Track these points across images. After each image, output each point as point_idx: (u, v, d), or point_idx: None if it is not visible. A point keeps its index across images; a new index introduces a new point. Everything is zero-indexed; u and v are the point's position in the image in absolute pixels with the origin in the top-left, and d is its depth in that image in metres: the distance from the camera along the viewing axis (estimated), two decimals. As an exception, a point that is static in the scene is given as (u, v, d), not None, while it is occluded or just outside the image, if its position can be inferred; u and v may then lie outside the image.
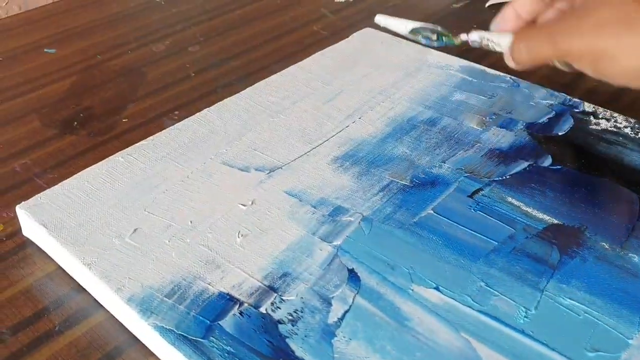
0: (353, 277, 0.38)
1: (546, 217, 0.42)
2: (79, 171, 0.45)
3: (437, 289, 0.37)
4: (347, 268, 0.38)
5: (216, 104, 0.52)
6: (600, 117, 0.51)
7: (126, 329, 0.37)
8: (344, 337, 0.34)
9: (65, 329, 0.37)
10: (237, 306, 0.36)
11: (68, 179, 0.44)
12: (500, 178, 0.45)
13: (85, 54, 0.64)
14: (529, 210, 0.42)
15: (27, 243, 0.42)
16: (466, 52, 0.56)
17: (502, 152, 0.47)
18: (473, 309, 0.36)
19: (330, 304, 0.36)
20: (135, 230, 0.40)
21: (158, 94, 0.58)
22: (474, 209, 0.42)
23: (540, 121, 0.51)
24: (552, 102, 0.53)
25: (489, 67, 0.57)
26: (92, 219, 0.41)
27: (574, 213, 0.42)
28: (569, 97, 0.53)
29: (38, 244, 0.42)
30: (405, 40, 0.61)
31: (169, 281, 0.37)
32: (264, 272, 0.38)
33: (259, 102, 0.52)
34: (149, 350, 0.36)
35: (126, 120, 0.54)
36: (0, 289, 0.39)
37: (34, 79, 0.60)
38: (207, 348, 0.34)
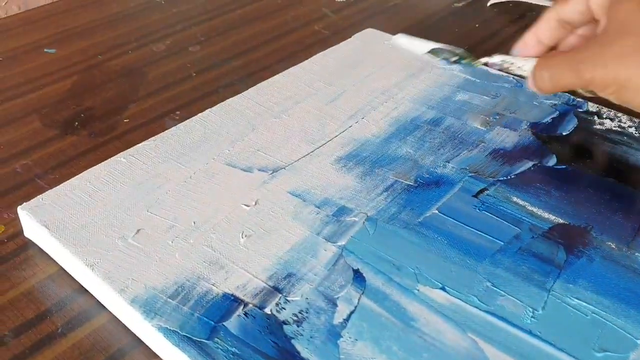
0: (358, 277, 0.37)
1: (552, 217, 0.41)
2: (80, 172, 0.45)
3: (443, 289, 0.37)
4: (352, 268, 0.38)
5: (218, 104, 0.52)
6: (604, 116, 0.51)
7: (130, 330, 0.37)
8: (349, 337, 0.34)
9: (68, 331, 0.37)
10: (241, 307, 0.35)
11: (70, 180, 0.44)
12: (505, 178, 0.45)
13: (85, 54, 0.63)
14: (535, 209, 0.42)
15: (29, 244, 0.42)
16: (470, 51, 0.56)
17: (506, 151, 0.47)
18: (480, 310, 0.36)
19: (335, 305, 0.36)
20: (138, 231, 0.40)
21: (159, 94, 0.58)
22: (479, 209, 0.42)
23: (544, 121, 0.50)
24: (555, 101, 0.52)
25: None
26: (94, 219, 0.41)
27: (580, 212, 0.42)
28: (572, 96, 0.53)
29: (40, 245, 0.42)
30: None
31: (173, 282, 0.37)
32: (269, 272, 0.38)
33: (261, 102, 0.52)
34: (153, 352, 0.36)
35: (127, 120, 0.54)
36: (2, 291, 0.39)
37: (34, 79, 0.59)
38: (211, 349, 0.33)
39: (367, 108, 0.52)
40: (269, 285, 0.37)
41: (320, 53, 0.59)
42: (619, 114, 0.51)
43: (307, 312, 0.35)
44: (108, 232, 0.40)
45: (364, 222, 0.41)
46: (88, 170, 0.45)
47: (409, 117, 0.51)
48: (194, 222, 0.41)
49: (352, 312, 0.35)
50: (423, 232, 0.40)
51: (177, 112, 0.55)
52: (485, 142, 0.48)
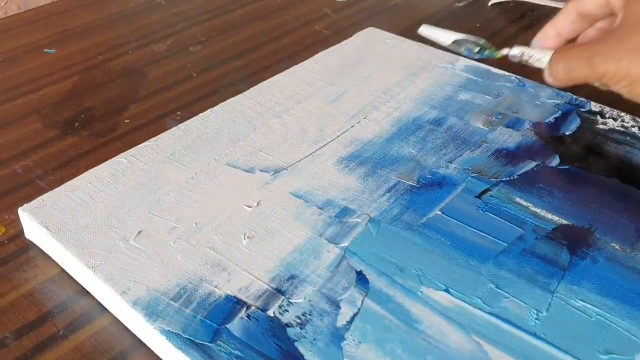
0: (361, 279, 0.37)
1: (555, 218, 0.41)
2: (80, 172, 0.45)
3: (446, 291, 0.36)
4: (355, 270, 0.38)
5: (219, 105, 0.52)
6: (607, 116, 0.50)
7: (131, 332, 0.36)
8: (353, 340, 0.34)
9: (70, 333, 0.37)
10: (244, 309, 0.35)
11: (71, 181, 0.43)
12: (508, 178, 0.44)
13: (85, 54, 0.63)
14: (538, 210, 0.42)
15: (30, 246, 0.42)
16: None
17: (509, 152, 0.47)
18: (483, 311, 0.35)
19: (338, 307, 0.35)
20: (139, 232, 0.40)
21: (160, 94, 0.57)
22: (482, 210, 0.42)
23: (546, 121, 0.50)
24: (558, 101, 0.52)
25: (493, 66, 0.56)
26: (95, 221, 0.40)
27: (583, 213, 0.42)
28: (575, 96, 0.53)
29: (41, 247, 0.41)
30: (408, 40, 0.61)
31: (175, 284, 0.37)
32: (271, 274, 0.37)
33: (262, 102, 0.52)
34: (155, 355, 0.35)
35: (128, 121, 0.54)
36: (3, 293, 0.39)
37: (34, 80, 0.59)
38: (214, 352, 0.33)
39: (368, 108, 0.52)
40: (272, 287, 0.36)
41: (322, 52, 0.59)
42: (622, 114, 0.50)
43: (310, 315, 0.35)
44: (109, 234, 0.40)
45: (366, 224, 0.41)
46: (89, 171, 0.44)
47: (411, 117, 0.51)
48: (196, 224, 0.41)
49: (355, 314, 0.35)
50: (426, 234, 0.40)
51: (178, 113, 0.55)
52: (487, 142, 0.48)
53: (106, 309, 0.38)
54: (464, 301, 0.36)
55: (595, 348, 0.34)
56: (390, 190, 0.43)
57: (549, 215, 0.41)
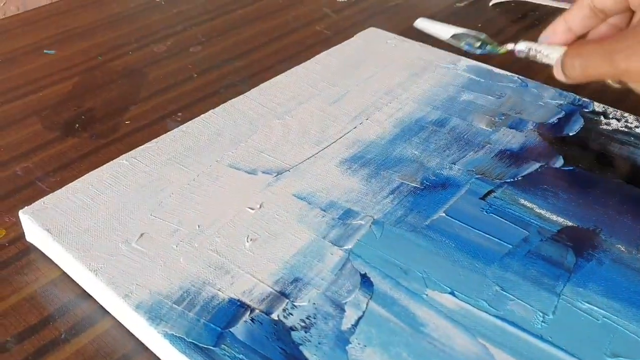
0: (366, 282, 0.37)
1: (560, 219, 0.41)
2: (81, 174, 0.44)
3: (452, 293, 0.36)
4: (360, 273, 0.37)
5: (221, 106, 0.51)
6: (610, 117, 0.50)
7: (134, 336, 0.36)
8: (358, 343, 0.34)
9: (72, 337, 0.36)
10: (248, 312, 0.35)
11: (72, 183, 0.43)
12: (512, 179, 0.44)
13: (85, 55, 0.63)
14: (543, 212, 0.42)
15: (31, 249, 0.42)
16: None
17: (513, 153, 0.47)
18: (489, 314, 0.35)
19: (343, 310, 0.35)
20: (141, 235, 0.39)
21: (160, 95, 0.57)
22: (486, 211, 0.42)
23: (550, 121, 0.50)
24: (561, 101, 0.52)
25: (495, 66, 0.56)
26: (97, 223, 0.40)
27: (588, 215, 0.41)
28: (578, 96, 0.52)
29: (42, 250, 0.41)
30: (409, 40, 0.60)
31: (178, 287, 0.36)
32: (275, 277, 0.37)
33: (264, 103, 0.52)
34: (158, 358, 0.35)
35: (129, 122, 0.53)
36: (4, 296, 0.39)
37: (34, 81, 0.59)
38: (218, 356, 0.33)
39: (371, 109, 0.51)
40: (276, 290, 0.36)
41: (323, 53, 0.59)
42: (626, 114, 0.50)
43: (314, 318, 0.35)
44: (111, 237, 0.39)
45: (370, 226, 0.40)
46: (90, 173, 0.44)
47: (413, 117, 0.50)
48: (199, 226, 0.40)
49: (360, 318, 0.35)
50: (430, 236, 0.40)
51: (179, 114, 0.54)
52: (491, 143, 0.48)
53: (108, 312, 0.37)
54: (470, 304, 0.36)
55: (602, 351, 0.33)
56: (393, 191, 0.43)
57: (554, 217, 0.41)
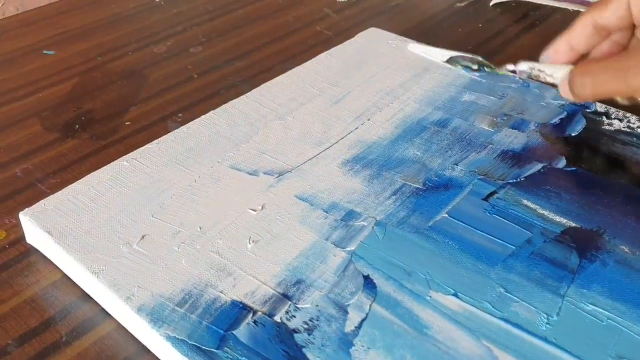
0: (369, 283, 0.37)
1: (563, 220, 0.41)
2: (81, 176, 0.44)
3: (455, 295, 0.36)
4: (363, 274, 0.37)
5: (222, 106, 0.51)
6: (612, 117, 0.50)
7: (136, 339, 0.36)
8: (362, 346, 0.33)
9: (73, 340, 0.36)
10: (250, 315, 0.35)
11: (72, 184, 0.43)
12: (514, 180, 0.44)
13: (85, 56, 0.62)
14: (546, 213, 0.41)
15: (31, 251, 0.41)
16: (473, 51, 0.55)
17: (515, 153, 0.46)
18: (493, 316, 0.35)
19: (346, 312, 0.35)
20: (143, 236, 0.39)
21: (161, 96, 0.57)
22: (489, 213, 0.41)
23: (552, 122, 0.50)
24: (563, 102, 0.52)
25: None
26: (98, 225, 0.40)
27: (591, 215, 0.41)
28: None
29: (42, 252, 0.41)
30: (410, 40, 0.60)
31: (180, 289, 0.36)
32: (277, 279, 0.37)
33: (265, 104, 0.51)
34: (160, 361, 0.35)
35: (129, 123, 0.53)
36: (5, 299, 0.38)
37: (33, 82, 0.58)
38: (221, 359, 0.32)
39: (372, 109, 0.51)
40: (278, 292, 0.36)
41: (324, 53, 0.59)
42: (628, 115, 0.50)
43: (317, 320, 0.35)
44: (112, 238, 0.39)
45: (373, 227, 0.40)
46: (90, 174, 0.44)
47: (415, 118, 0.50)
48: (200, 228, 0.40)
49: (363, 320, 0.35)
50: (433, 237, 0.40)
51: (180, 114, 0.54)
52: (493, 143, 0.47)
53: (110, 314, 0.37)
54: (474, 306, 0.35)
55: (607, 353, 0.33)
56: (396, 192, 0.43)
57: (557, 218, 0.41)
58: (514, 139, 0.48)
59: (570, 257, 0.38)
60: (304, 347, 0.33)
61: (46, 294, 0.39)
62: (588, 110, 0.51)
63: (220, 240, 0.39)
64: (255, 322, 0.34)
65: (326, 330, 0.34)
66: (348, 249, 0.39)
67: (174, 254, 0.38)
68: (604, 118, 0.50)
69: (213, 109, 0.51)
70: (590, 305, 0.35)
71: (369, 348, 0.33)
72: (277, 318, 0.35)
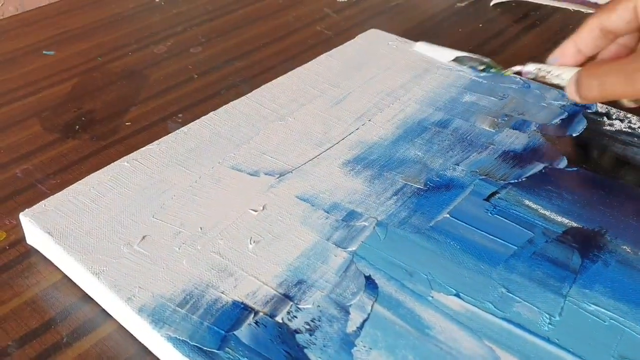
0: (370, 284, 0.36)
1: (565, 220, 0.41)
2: (82, 176, 0.44)
3: (457, 295, 0.36)
4: (364, 275, 0.37)
5: (222, 107, 0.51)
6: (613, 117, 0.50)
7: (137, 340, 0.36)
8: (364, 347, 0.33)
9: (74, 341, 0.36)
10: (252, 315, 0.35)
11: (73, 185, 0.43)
12: (515, 180, 0.44)
13: (85, 56, 0.62)
14: (547, 213, 0.41)
15: (32, 252, 0.41)
16: (473, 52, 0.55)
17: (516, 154, 0.46)
18: (496, 317, 0.35)
19: (348, 313, 0.35)
20: (144, 237, 0.39)
21: (161, 96, 0.57)
22: (491, 213, 0.41)
23: (553, 122, 0.50)
24: (564, 102, 0.52)
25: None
26: (99, 226, 0.40)
27: (593, 216, 0.41)
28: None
29: (43, 253, 0.41)
30: (411, 41, 0.60)
31: (181, 290, 0.36)
32: (279, 279, 0.37)
33: (266, 104, 0.51)
34: (161, 362, 0.35)
35: (129, 123, 0.53)
36: (5, 300, 0.38)
37: (33, 82, 0.58)
38: (222, 359, 0.32)
39: (373, 110, 0.51)
40: (280, 293, 0.36)
41: (325, 54, 0.58)
42: (629, 115, 0.50)
43: (319, 321, 0.34)
44: (113, 239, 0.39)
45: (374, 227, 0.40)
46: (91, 175, 0.44)
47: (416, 119, 0.50)
48: (201, 228, 0.40)
49: (365, 320, 0.34)
50: (435, 237, 0.39)
51: (180, 115, 0.54)
52: (494, 144, 0.47)
53: (111, 315, 0.37)
54: (476, 306, 0.35)
55: (610, 353, 0.33)
56: (397, 193, 0.43)
57: (559, 218, 0.41)
58: (515, 140, 0.48)
59: (572, 257, 0.38)
60: (306, 347, 0.33)
61: (47, 295, 0.38)
62: (589, 111, 0.51)
63: (221, 241, 0.39)
64: (256, 322, 0.34)
65: (328, 331, 0.34)
66: (349, 249, 0.39)
67: (175, 255, 0.38)
68: (605, 119, 0.50)
69: (213, 110, 0.51)
70: (592, 306, 0.35)
71: (370, 348, 0.33)
72: (278, 318, 0.34)
